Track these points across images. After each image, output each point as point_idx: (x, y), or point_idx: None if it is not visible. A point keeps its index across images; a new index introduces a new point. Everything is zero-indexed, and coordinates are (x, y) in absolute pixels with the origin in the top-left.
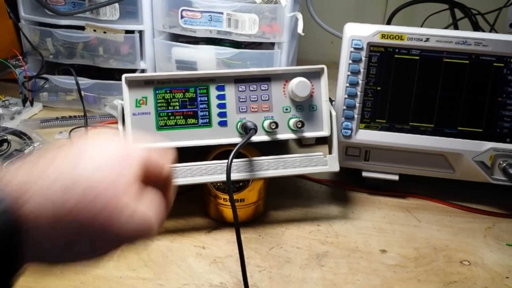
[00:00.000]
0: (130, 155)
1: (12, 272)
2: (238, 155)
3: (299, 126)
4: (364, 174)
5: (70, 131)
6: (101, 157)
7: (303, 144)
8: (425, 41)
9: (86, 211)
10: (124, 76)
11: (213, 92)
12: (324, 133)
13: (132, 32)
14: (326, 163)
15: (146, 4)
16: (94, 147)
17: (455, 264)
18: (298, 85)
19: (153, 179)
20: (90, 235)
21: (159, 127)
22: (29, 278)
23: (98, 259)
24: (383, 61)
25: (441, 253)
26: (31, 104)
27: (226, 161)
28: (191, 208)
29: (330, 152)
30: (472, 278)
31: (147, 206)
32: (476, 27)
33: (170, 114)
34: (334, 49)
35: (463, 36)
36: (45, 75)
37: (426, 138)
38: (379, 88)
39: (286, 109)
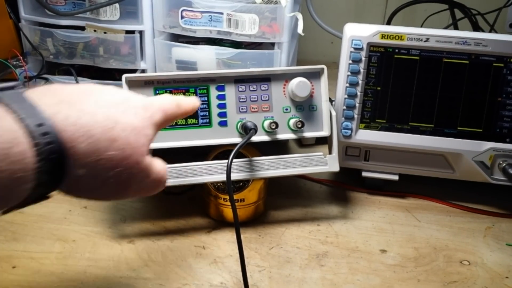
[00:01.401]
0: (153, 119)
1: (48, 196)
2: (238, 155)
3: (299, 126)
4: (364, 174)
5: None
6: (133, 116)
7: (303, 144)
8: (425, 41)
9: (121, 164)
10: (124, 76)
11: (213, 92)
12: (324, 133)
13: (132, 32)
14: (326, 163)
15: (146, 4)
16: (125, 102)
17: (455, 264)
18: (298, 85)
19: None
20: (119, 182)
21: None
22: (29, 278)
23: (117, 199)
24: (383, 61)
25: (441, 253)
26: None
27: (226, 161)
28: (191, 208)
29: (330, 152)
30: (472, 278)
31: (161, 164)
32: (476, 27)
33: None
34: (334, 49)
35: (463, 36)
36: (45, 75)
37: (426, 138)
38: (379, 88)
39: (286, 109)
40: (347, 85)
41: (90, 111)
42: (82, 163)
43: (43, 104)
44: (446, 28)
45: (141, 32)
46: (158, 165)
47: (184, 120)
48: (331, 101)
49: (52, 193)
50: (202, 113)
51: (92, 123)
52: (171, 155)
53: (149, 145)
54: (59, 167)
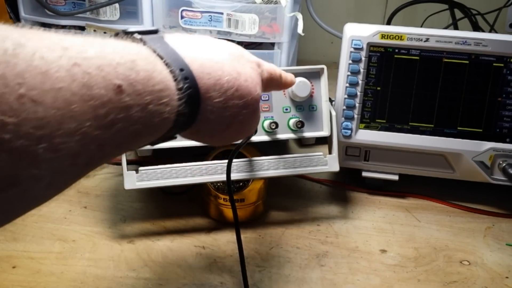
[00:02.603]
0: (263, 74)
1: (180, 131)
2: (238, 155)
3: (299, 126)
4: (364, 174)
5: None
6: (250, 68)
7: (303, 144)
8: (424, 41)
9: (243, 108)
10: None
11: None
12: (324, 133)
13: None
14: (326, 163)
15: (146, 4)
16: (245, 57)
17: (455, 264)
18: (298, 85)
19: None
20: (239, 124)
21: None
22: (29, 278)
23: (234, 141)
24: (383, 61)
25: (441, 253)
26: None
27: (226, 161)
28: (191, 208)
29: (330, 152)
30: (472, 278)
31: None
32: (476, 27)
33: None
34: (334, 49)
35: (463, 36)
36: None
37: (426, 138)
38: (379, 88)
39: (286, 109)
40: (347, 85)
41: (219, 61)
42: (212, 108)
43: (181, 50)
44: (446, 28)
45: None
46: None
47: None
48: (331, 101)
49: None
50: None
51: (221, 73)
52: (171, 155)
53: (260, 97)
54: (194, 110)
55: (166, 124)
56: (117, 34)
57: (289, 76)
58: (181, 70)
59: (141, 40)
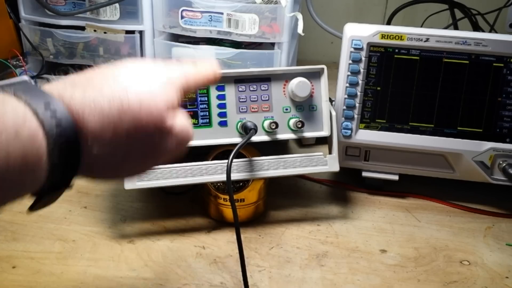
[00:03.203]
0: (172, 81)
1: (68, 181)
2: (238, 155)
3: (299, 126)
4: (364, 174)
5: None
6: (148, 82)
7: (303, 144)
8: (425, 41)
9: (140, 133)
10: None
11: (213, 92)
12: (324, 133)
13: (132, 32)
14: (326, 163)
15: (146, 4)
16: (139, 72)
17: (455, 264)
18: (298, 85)
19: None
20: (142, 152)
21: None
22: (29, 278)
23: (144, 172)
24: (383, 61)
25: (441, 253)
26: None
27: (226, 161)
28: (191, 208)
29: (330, 152)
30: (472, 278)
31: (184, 119)
32: (476, 27)
33: None
34: (334, 49)
35: (463, 36)
36: (45, 75)
37: (426, 138)
38: (379, 88)
39: (286, 109)
40: (347, 85)
41: (97, 86)
42: (96, 138)
43: (50, 88)
44: (446, 28)
45: (141, 32)
46: (180, 122)
47: None
48: (331, 101)
49: (73, 181)
50: (202, 113)
51: (99, 97)
52: None
53: (171, 106)
54: (74, 150)
55: (38, 163)
56: None
57: (207, 65)
58: (47, 104)
59: (4, 87)
